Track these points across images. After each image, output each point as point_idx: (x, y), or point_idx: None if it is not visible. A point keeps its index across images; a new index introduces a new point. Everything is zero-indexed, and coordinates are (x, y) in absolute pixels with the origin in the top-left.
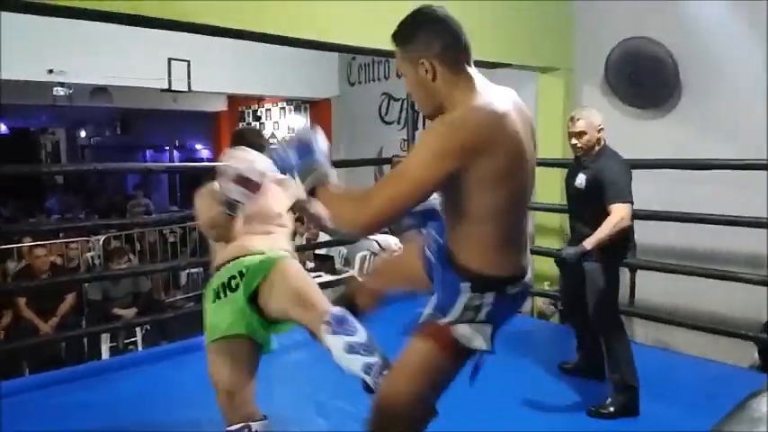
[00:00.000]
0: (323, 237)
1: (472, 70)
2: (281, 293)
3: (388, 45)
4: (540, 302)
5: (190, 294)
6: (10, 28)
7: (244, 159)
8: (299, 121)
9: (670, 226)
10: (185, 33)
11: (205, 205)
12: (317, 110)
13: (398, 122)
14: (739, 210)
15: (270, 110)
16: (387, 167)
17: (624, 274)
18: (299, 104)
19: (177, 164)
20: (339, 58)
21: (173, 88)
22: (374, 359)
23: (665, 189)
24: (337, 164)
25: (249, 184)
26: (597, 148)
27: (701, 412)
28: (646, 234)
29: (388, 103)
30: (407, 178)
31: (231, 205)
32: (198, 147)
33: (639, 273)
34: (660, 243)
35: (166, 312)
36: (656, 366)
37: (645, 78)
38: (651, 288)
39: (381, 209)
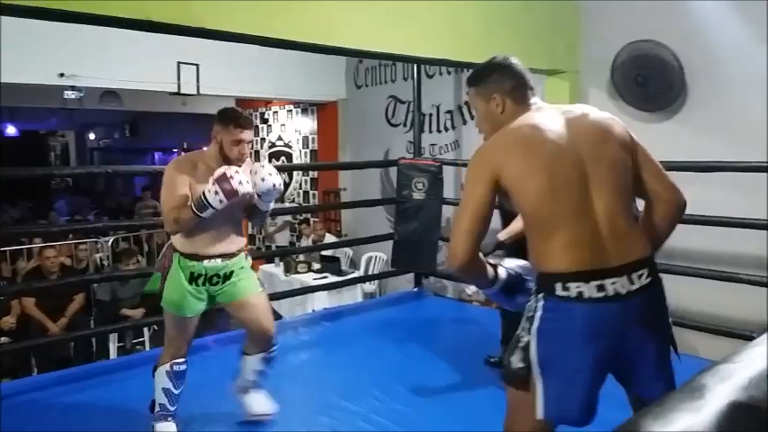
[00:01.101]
0: (329, 238)
1: (537, 102)
2: (248, 316)
3: (394, 49)
4: None
5: None
6: (22, 32)
7: (235, 171)
8: (306, 123)
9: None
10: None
11: (172, 188)
12: (324, 112)
13: (405, 125)
14: (745, 212)
15: (277, 112)
16: (393, 170)
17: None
18: (305, 107)
19: None
20: (346, 61)
21: (182, 91)
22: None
23: None
24: (344, 166)
25: (227, 189)
26: None
27: None
28: None
29: (395, 106)
30: (466, 208)
31: (202, 206)
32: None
33: None
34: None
35: None
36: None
37: (651, 81)
38: None
39: (461, 243)
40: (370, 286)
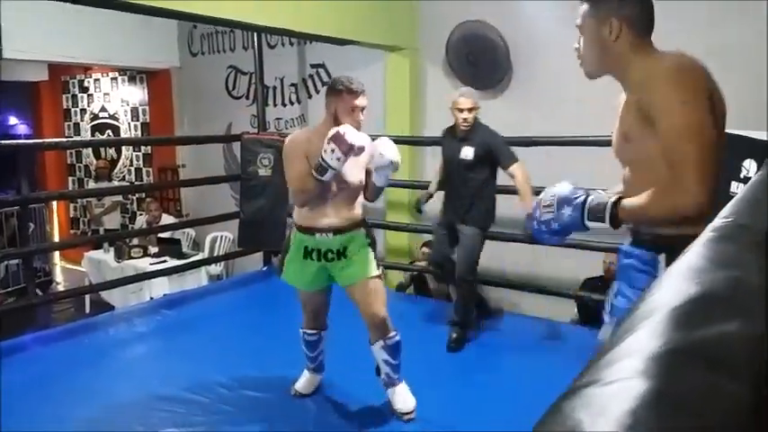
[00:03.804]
0: (167, 219)
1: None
2: (357, 300)
3: (228, 14)
4: (402, 276)
5: (10, 289)
6: None
7: (347, 128)
8: (135, 93)
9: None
10: None
11: (291, 163)
12: (156, 82)
13: (247, 97)
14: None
15: (99, 80)
16: (237, 145)
17: None
18: (133, 75)
19: None
20: (178, 25)
21: None
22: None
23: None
24: (182, 141)
25: (344, 147)
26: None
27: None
28: None
29: (236, 77)
30: (694, 136)
31: (322, 169)
32: (13, 121)
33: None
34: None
35: None
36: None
37: (480, 60)
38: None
39: (700, 181)
40: (215, 268)
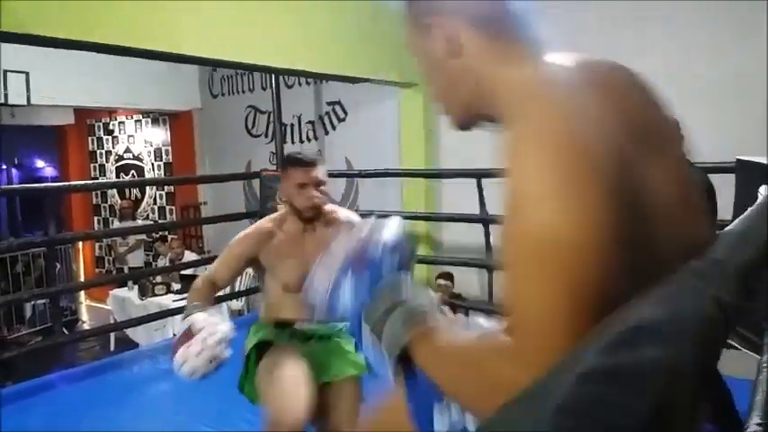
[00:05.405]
0: (190, 255)
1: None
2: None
3: (247, 58)
4: None
5: (36, 328)
6: None
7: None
8: (158, 134)
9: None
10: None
11: (229, 247)
12: (178, 123)
13: (266, 136)
14: None
15: (123, 123)
16: (255, 182)
17: (483, 274)
18: (156, 117)
19: (17, 186)
20: (199, 69)
21: (9, 102)
22: None
23: None
24: (204, 179)
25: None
26: None
27: None
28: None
29: (255, 116)
30: (552, 268)
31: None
32: (40, 164)
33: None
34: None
35: (9, 350)
36: None
37: None
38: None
39: (543, 348)
40: (237, 303)
